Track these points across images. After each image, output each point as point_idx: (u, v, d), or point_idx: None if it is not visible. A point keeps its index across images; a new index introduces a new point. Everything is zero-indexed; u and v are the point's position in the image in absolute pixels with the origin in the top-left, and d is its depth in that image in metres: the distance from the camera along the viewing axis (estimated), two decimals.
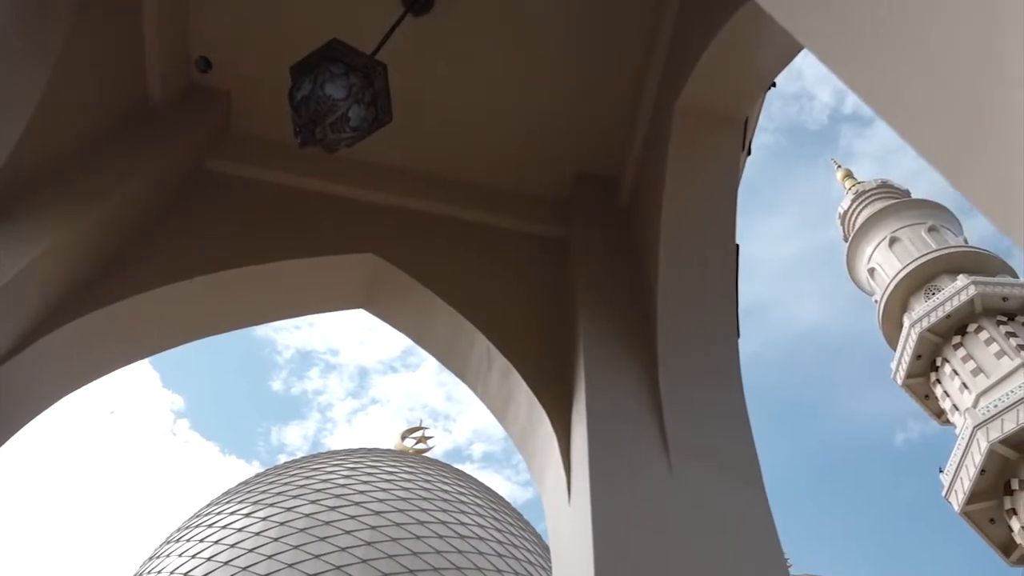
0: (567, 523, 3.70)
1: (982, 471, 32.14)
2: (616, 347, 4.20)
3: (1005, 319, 36.17)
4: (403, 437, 26.86)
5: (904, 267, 40.80)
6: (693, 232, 4.44)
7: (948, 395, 37.01)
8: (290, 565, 16.22)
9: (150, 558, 19.25)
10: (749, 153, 5.07)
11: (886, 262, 42.33)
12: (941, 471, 35.00)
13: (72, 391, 4.58)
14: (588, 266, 4.76)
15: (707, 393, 4.04)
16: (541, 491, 4.38)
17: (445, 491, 19.78)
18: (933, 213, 43.81)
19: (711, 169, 4.49)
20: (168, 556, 18.20)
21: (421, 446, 26.44)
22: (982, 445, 31.90)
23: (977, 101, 1.23)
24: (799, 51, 4.09)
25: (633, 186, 5.20)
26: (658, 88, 4.90)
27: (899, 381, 39.11)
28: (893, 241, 42.59)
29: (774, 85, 4.78)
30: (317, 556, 16.36)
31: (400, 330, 5.31)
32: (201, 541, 17.93)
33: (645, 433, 3.72)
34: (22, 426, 4.34)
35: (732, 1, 3.85)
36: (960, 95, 1.27)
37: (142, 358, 4.90)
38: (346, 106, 3.71)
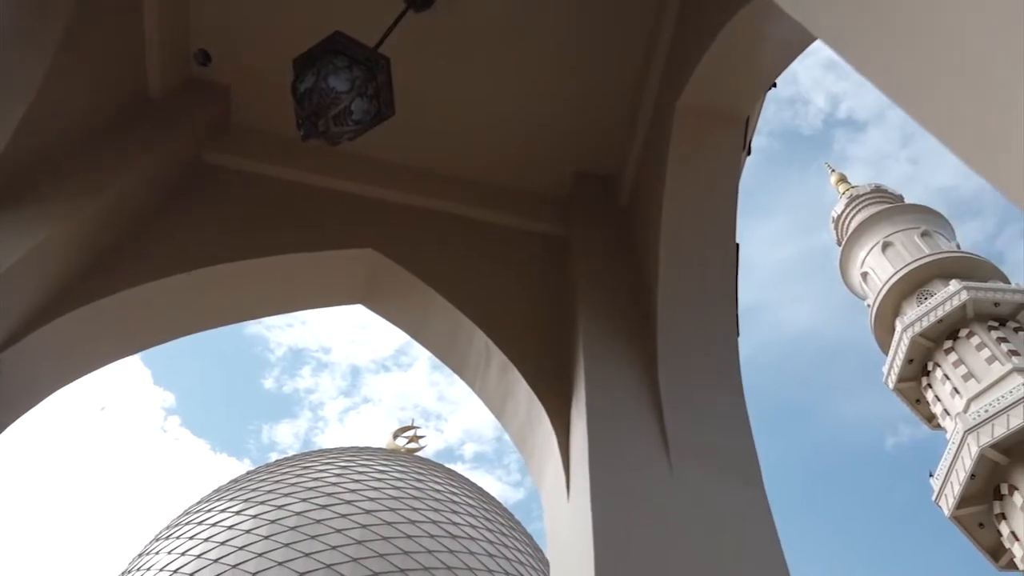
0: (566, 520, 3.69)
1: (972, 476, 32.27)
2: (616, 346, 4.19)
3: (996, 324, 36.36)
4: (395, 436, 26.83)
5: (897, 272, 40.97)
6: (693, 232, 4.43)
7: (939, 399, 37.16)
8: (280, 563, 16.18)
9: (140, 555, 19.19)
10: (749, 153, 5.07)
11: (879, 266, 42.49)
12: (931, 475, 35.13)
13: (67, 384, 4.55)
14: (588, 265, 4.75)
15: (707, 392, 4.03)
16: (540, 488, 4.37)
17: (436, 490, 19.77)
18: (926, 218, 44.02)
19: (712, 169, 4.49)
20: (158, 553, 18.15)
21: (413, 445, 26.42)
22: (972, 450, 32.03)
23: (998, 87, 1.22)
24: (801, 50, 4.09)
25: (633, 185, 5.19)
26: (659, 87, 4.90)
27: (891, 385, 39.27)
28: (886, 246, 42.76)
29: (774, 85, 4.78)
30: (307, 554, 16.32)
31: (398, 326, 5.29)
32: (191, 538, 17.88)
33: (645, 432, 3.72)
34: (16, 419, 4.30)
35: (733, 1, 3.85)
36: (980, 81, 1.26)
37: (139, 351, 4.87)
38: (349, 99, 3.70)
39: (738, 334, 4.37)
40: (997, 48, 1.21)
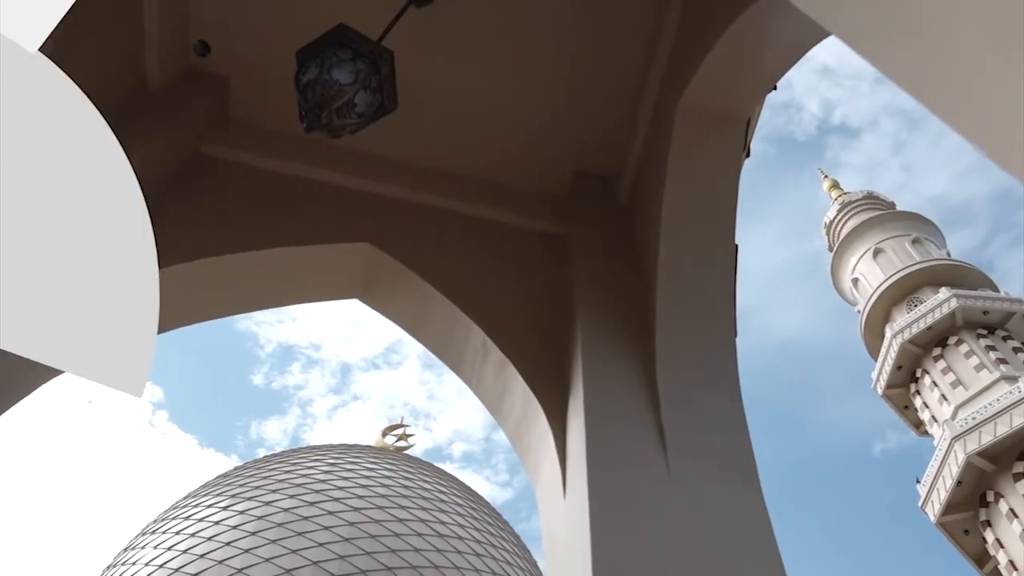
0: (562, 518, 3.68)
1: (959, 482, 32.40)
2: (614, 345, 4.18)
3: (985, 332, 36.51)
4: (384, 434, 26.75)
5: (887, 278, 41.10)
6: (693, 232, 4.43)
7: (927, 406, 37.29)
8: (267, 559, 16.12)
9: (125, 549, 19.09)
10: (748, 155, 5.07)
11: (870, 273, 42.62)
12: (918, 481, 35.25)
13: (56, 376, 4.51)
14: (587, 264, 4.74)
15: (704, 392, 4.03)
16: (535, 486, 4.36)
17: (425, 489, 19.72)
18: (917, 225, 44.17)
19: (712, 169, 4.49)
20: (143, 548, 18.05)
21: (402, 443, 26.33)
22: (959, 457, 32.15)
23: (1010, 80, 1.21)
24: (806, 50, 4.09)
25: (633, 185, 5.19)
26: (660, 88, 4.89)
27: (879, 391, 39.39)
28: (877, 252, 42.89)
29: (774, 88, 4.77)
30: (294, 551, 16.26)
31: (394, 321, 5.27)
32: (177, 533, 17.79)
33: (642, 430, 3.71)
34: (5, 411, 4.27)
35: (737, 1, 3.84)
36: (992, 74, 1.26)
37: None
38: (352, 91, 3.67)
39: (736, 335, 4.36)
40: (1008, 42, 1.21)
